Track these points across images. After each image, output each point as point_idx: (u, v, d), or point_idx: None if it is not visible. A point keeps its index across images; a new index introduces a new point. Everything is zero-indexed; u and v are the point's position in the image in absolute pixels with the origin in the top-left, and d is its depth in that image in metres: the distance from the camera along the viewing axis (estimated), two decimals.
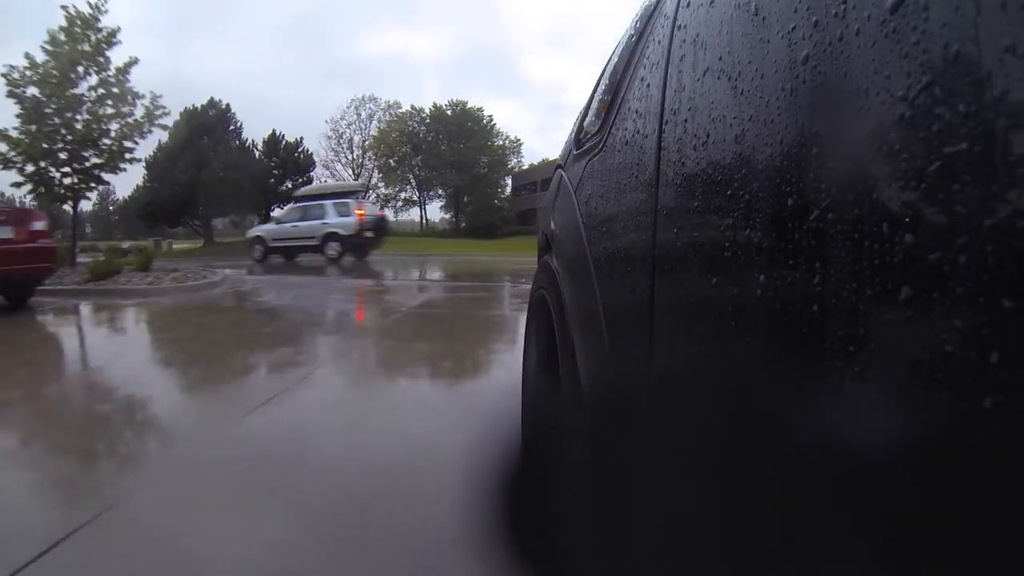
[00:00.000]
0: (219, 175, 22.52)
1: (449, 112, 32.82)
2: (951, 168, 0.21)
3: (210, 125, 26.05)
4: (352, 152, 33.45)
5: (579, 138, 1.09)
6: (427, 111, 33.07)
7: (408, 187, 33.83)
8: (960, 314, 0.20)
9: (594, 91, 1.11)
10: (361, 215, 11.03)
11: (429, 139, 32.36)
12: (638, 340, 0.52)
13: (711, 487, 0.40)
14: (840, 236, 0.27)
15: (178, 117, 25.07)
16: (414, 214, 35.45)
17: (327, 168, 32.31)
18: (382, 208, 11.63)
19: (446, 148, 31.88)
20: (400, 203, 34.14)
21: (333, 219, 11.17)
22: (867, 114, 0.26)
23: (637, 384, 0.53)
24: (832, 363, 0.27)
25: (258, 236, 12.15)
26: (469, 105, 33.19)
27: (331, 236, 11.04)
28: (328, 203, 11.44)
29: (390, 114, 33.43)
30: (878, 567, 0.24)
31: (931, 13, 0.22)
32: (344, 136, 33.85)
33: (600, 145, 0.83)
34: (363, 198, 12.07)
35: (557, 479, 0.75)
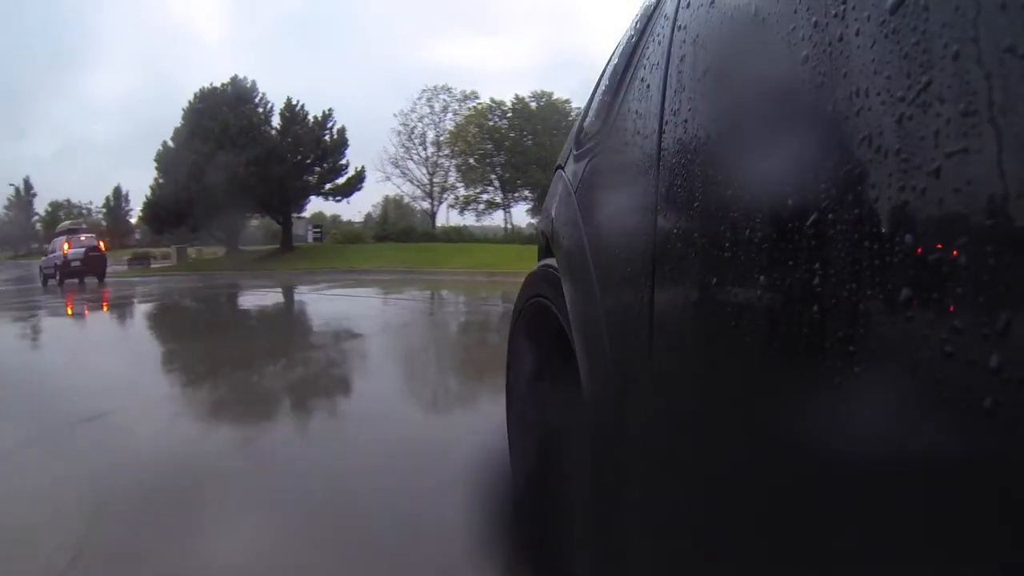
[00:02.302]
0: (218, 163, 18.61)
1: (533, 105, 28.64)
2: (951, 168, 0.21)
3: (230, 106, 20.96)
4: (425, 149, 28.80)
5: (579, 139, 1.09)
6: (508, 104, 28.59)
7: (490, 188, 29.40)
8: (960, 314, 0.20)
9: (594, 91, 1.11)
10: (64, 249, 14.53)
11: (512, 135, 28.39)
12: (639, 340, 0.52)
13: (712, 493, 0.40)
14: (840, 236, 0.27)
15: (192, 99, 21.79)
16: (498, 218, 30.29)
17: (397, 166, 27.89)
18: (101, 237, 15.45)
19: (531, 143, 27.96)
20: (482, 206, 29.51)
21: (57, 251, 14.88)
22: (867, 114, 0.26)
23: (638, 384, 0.53)
24: (832, 364, 0.27)
25: (41, 265, 16.06)
26: (555, 97, 28.62)
27: (56, 266, 14.71)
28: (59, 239, 15.24)
29: (466, 107, 28.95)
30: (879, 567, 0.24)
31: (931, 13, 0.22)
32: (416, 131, 28.83)
33: (600, 146, 0.83)
34: (78, 233, 15.60)
35: (556, 489, 0.75)
